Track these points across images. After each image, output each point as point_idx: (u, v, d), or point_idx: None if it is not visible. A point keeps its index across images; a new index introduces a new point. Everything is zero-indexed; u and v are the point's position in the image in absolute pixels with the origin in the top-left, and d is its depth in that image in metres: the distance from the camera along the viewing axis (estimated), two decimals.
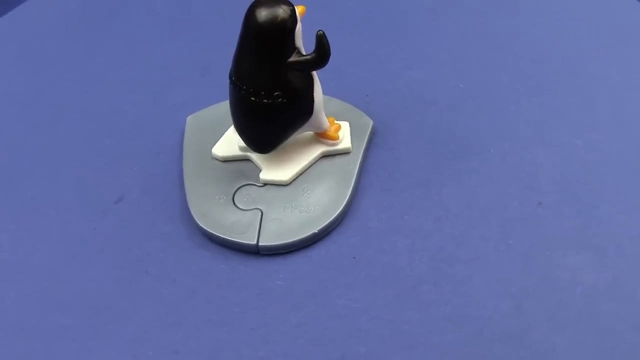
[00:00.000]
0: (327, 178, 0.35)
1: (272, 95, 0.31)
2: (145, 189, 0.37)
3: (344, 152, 0.36)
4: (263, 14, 0.30)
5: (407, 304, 0.31)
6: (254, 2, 0.30)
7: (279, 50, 0.31)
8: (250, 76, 0.31)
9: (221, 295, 0.32)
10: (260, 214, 0.34)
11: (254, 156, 0.36)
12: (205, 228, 0.33)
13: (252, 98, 0.32)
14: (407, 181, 0.36)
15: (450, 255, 0.33)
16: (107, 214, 0.36)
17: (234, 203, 0.34)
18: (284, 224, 0.33)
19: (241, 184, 0.35)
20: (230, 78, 0.32)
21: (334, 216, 0.34)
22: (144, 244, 0.34)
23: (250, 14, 0.30)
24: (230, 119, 0.37)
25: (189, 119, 0.39)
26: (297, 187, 0.35)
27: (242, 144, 0.35)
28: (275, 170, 0.35)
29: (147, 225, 0.35)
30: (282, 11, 0.30)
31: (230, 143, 0.36)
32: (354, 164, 0.36)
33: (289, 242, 0.33)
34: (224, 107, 0.39)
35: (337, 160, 0.36)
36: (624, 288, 0.31)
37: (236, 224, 0.33)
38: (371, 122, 0.38)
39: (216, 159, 0.36)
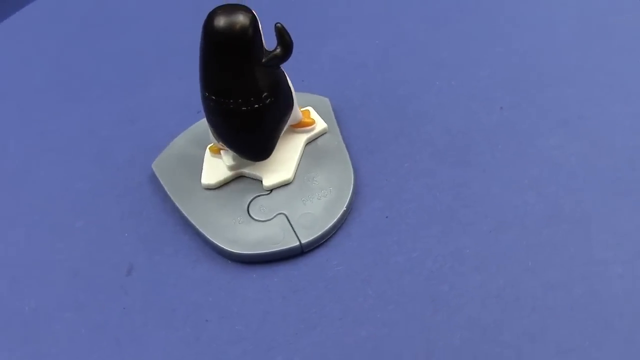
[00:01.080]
0: (323, 160, 0.36)
1: (261, 98, 0.31)
2: (149, 248, 0.35)
3: (323, 133, 0.37)
4: (230, 25, 0.29)
5: (455, 234, 0.33)
6: (213, 18, 0.30)
7: (255, 54, 0.31)
8: (235, 88, 0.31)
9: (293, 304, 0.32)
10: (285, 217, 0.34)
11: (247, 170, 0.35)
12: (244, 252, 0.33)
13: (243, 108, 0.31)
14: (386, 137, 0.38)
15: (462, 179, 0.36)
16: (128, 288, 0.33)
17: (254, 219, 0.34)
18: (313, 215, 0.34)
19: (249, 200, 0.35)
20: (208, 100, 0.32)
21: (351, 189, 0.34)
22: (185, 297, 0.32)
23: (216, 29, 0.29)
24: (199, 147, 0.37)
25: (155, 165, 0.37)
26: (302, 180, 0.35)
27: (230, 162, 0.35)
28: (274, 173, 0.35)
29: (176, 279, 0.33)
30: (245, 17, 0.30)
31: (216, 168, 0.35)
32: (338, 139, 0.37)
33: (327, 229, 0.33)
34: (181, 142, 0.38)
35: (320, 142, 0.37)
36: (605, 143, 0.36)
37: (270, 235, 0.33)
38: (328, 99, 0.39)
39: (209, 188, 0.35)
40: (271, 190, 0.35)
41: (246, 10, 0.30)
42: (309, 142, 0.37)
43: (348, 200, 0.34)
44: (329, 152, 0.36)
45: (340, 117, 0.39)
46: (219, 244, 0.33)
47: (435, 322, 0.30)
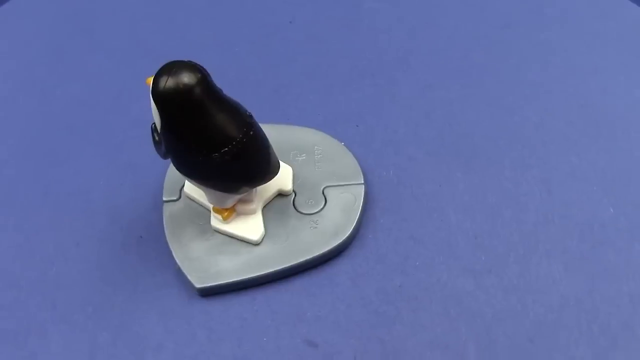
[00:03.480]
0: (279, 141, 0.36)
1: (248, 116, 0.31)
2: (280, 325, 0.31)
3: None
4: (196, 74, 0.27)
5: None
6: (168, 80, 0.27)
7: (221, 93, 0.30)
8: (236, 124, 0.30)
9: (424, 228, 0.35)
10: (330, 187, 0.35)
11: (266, 196, 0.35)
12: (352, 232, 0.34)
13: (251, 133, 0.30)
14: (284, 93, 0.41)
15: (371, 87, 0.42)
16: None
17: (318, 211, 0.34)
18: (339, 166, 0.36)
19: (292, 210, 0.35)
20: (220, 157, 0.29)
21: (326, 134, 0.38)
22: (369, 306, 0.32)
23: (189, 86, 0.27)
24: (198, 232, 0.34)
25: (198, 284, 0.32)
26: (293, 163, 0.36)
27: (253, 205, 0.34)
28: (282, 177, 0.35)
29: (338, 318, 0.32)
30: (193, 64, 0.28)
31: (248, 221, 0.34)
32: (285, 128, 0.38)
33: (360, 160, 0.36)
34: (179, 243, 0.34)
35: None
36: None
37: (344, 204, 0.35)
38: None
39: (263, 237, 0.33)
40: (294, 191, 0.35)
41: (183, 61, 0.28)
42: None
43: (336, 138, 0.37)
44: (270, 135, 0.37)
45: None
46: (335, 243, 0.33)
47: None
